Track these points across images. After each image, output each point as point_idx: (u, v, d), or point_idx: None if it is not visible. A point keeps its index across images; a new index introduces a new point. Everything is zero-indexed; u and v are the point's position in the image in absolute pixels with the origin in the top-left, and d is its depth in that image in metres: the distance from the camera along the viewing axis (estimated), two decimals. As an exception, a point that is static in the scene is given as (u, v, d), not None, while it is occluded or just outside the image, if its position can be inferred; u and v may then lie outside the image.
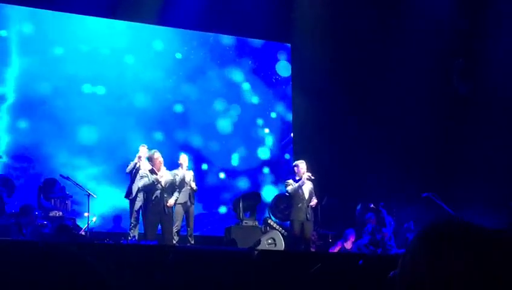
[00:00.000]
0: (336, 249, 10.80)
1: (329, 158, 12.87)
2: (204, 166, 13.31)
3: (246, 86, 14.00)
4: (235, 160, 13.64)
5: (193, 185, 10.62)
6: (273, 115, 14.14)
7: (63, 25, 12.64)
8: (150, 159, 9.91)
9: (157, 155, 9.92)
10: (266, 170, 13.88)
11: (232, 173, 13.60)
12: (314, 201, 10.20)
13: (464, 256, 1.11)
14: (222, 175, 13.51)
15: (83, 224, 10.50)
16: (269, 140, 14.04)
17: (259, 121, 14.01)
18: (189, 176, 10.63)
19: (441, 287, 1.10)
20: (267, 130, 14.04)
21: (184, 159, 10.77)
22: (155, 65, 13.12)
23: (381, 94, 13.10)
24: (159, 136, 12.91)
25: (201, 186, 11.67)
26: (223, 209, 13.27)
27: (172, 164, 10.57)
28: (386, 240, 10.97)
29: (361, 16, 13.21)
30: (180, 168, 10.58)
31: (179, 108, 13.33)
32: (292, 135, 14.09)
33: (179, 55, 13.49)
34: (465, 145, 12.53)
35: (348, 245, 10.87)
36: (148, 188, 9.69)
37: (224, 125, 13.63)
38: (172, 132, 13.15)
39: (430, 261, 1.12)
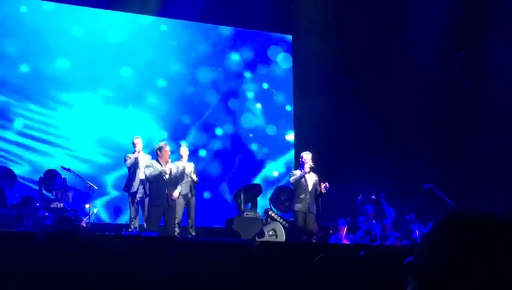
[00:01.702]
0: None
1: (330, 149, 12.88)
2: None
3: (246, 74, 14.02)
4: (219, 133, 13.59)
5: (194, 176, 10.63)
6: (265, 86, 14.08)
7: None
8: (160, 149, 9.84)
9: (168, 147, 9.90)
10: (254, 146, 13.89)
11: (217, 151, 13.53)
12: (325, 183, 10.11)
13: (481, 240, 1.11)
14: (203, 153, 13.34)
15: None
16: (259, 114, 14.01)
17: (250, 94, 13.97)
18: (189, 167, 10.63)
19: (456, 272, 1.10)
20: (259, 106, 14.00)
21: (185, 150, 10.76)
22: (151, 48, 13.14)
23: (383, 86, 13.10)
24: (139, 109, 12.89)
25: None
26: (206, 195, 13.05)
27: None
28: (386, 232, 10.99)
29: (362, 8, 13.18)
30: (180, 159, 10.59)
31: (162, 83, 13.26)
32: (291, 109, 14.09)
33: (174, 43, 13.49)
34: (467, 136, 12.54)
35: (342, 234, 10.90)
36: (153, 179, 9.65)
37: (212, 99, 13.62)
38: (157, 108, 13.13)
39: (446, 247, 1.13)
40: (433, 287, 1.12)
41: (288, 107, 14.19)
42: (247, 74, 14.03)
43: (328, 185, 10.08)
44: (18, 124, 12.03)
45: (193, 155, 12.24)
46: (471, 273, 1.09)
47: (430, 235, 1.19)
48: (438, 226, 1.19)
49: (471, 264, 1.09)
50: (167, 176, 9.71)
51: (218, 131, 13.55)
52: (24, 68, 12.21)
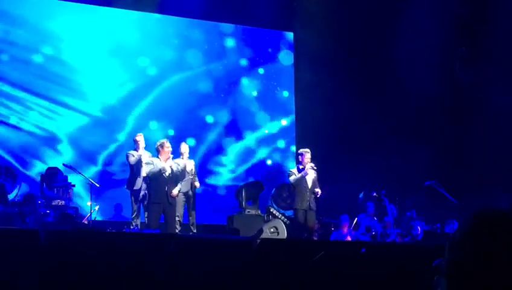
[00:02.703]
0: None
1: (331, 146, 12.88)
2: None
3: (248, 71, 14.02)
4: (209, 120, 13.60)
5: (196, 180, 10.67)
6: (267, 82, 14.07)
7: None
8: (161, 146, 9.84)
9: (168, 144, 9.90)
10: (254, 142, 13.86)
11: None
12: (318, 190, 10.17)
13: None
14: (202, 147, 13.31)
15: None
16: (261, 110, 13.98)
17: (251, 91, 13.96)
18: (190, 165, 10.63)
19: (490, 270, 1.10)
20: (260, 101, 13.98)
21: (185, 148, 10.75)
22: (151, 46, 13.18)
23: (384, 83, 13.09)
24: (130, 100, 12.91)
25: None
26: (206, 192, 12.93)
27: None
28: (387, 229, 10.99)
29: (364, 4, 13.17)
30: (181, 157, 10.58)
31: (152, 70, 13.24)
32: (292, 105, 14.09)
33: (175, 41, 13.48)
34: (469, 134, 12.53)
35: (344, 230, 10.91)
36: (153, 176, 9.66)
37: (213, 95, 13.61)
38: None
39: (480, 247, 1.12)
40: (477, 287, 1.11)
41: (290, 103, 14.20)
42: (249, 71, 14.03)
43: (320, 193, 10.14)
44: (32, 116, 12.12)
45: (193, 151, 12.26)
46: None
47: (459, 235, 1.18)
48: (477, 225, 1.17)
49: (498, 262, 1.09)
50: (167, 174, 9.71)
51: (210, 120, 13.56)
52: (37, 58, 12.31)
